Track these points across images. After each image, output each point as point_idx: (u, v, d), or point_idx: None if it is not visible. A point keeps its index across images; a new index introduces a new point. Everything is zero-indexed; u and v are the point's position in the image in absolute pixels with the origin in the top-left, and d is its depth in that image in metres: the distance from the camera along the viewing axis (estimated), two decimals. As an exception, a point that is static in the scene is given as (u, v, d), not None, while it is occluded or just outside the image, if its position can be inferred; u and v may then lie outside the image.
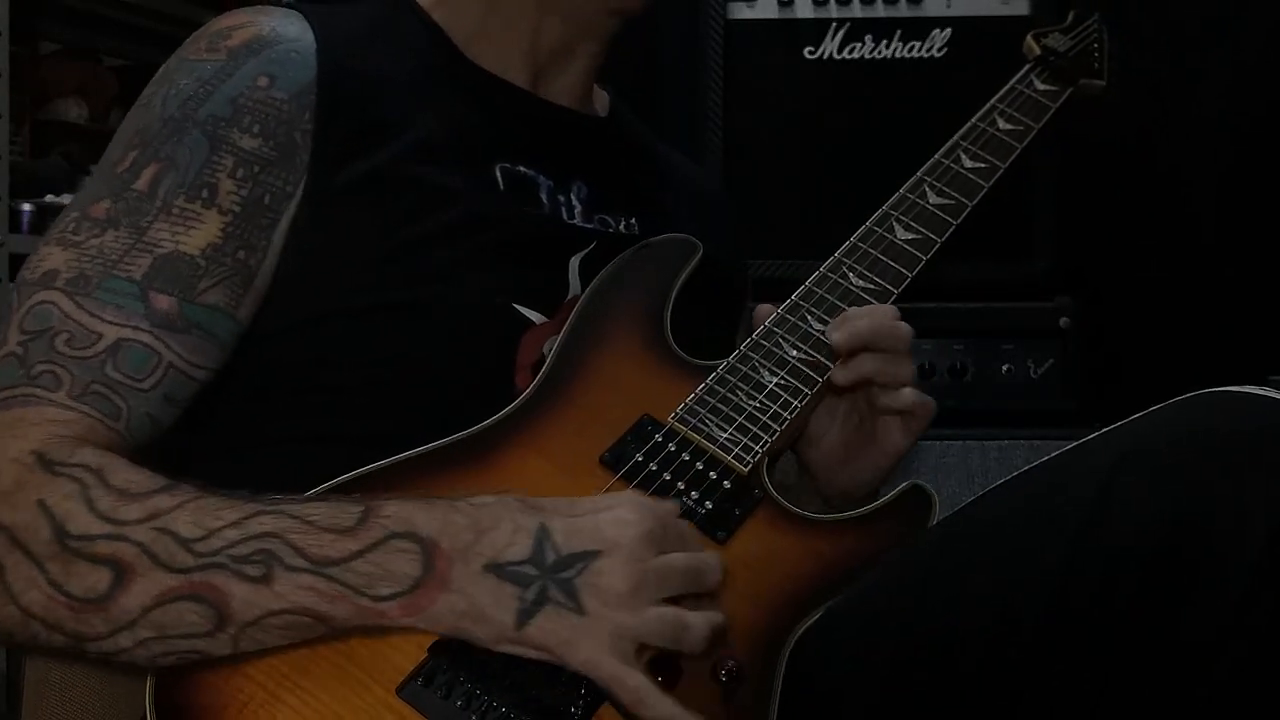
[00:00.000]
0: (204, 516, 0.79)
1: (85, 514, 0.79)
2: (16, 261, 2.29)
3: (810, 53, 1.73)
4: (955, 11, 1.71)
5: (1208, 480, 0.77)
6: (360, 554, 0.78)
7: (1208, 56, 1.89)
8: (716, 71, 1.72)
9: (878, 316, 1.01)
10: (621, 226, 1.13)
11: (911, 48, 1.71)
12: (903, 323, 1.02)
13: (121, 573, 0.77)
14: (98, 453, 0.83)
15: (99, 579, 0.77)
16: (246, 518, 0.79)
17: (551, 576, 0.78)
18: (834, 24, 1.72)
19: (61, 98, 2.95)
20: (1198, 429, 0.81)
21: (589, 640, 0.77)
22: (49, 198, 2.49)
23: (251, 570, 0.78)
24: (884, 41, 1.72)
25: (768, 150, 1.74)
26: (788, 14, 1.73)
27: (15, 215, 2.38)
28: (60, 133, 2.88)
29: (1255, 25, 1.88)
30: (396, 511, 0.80)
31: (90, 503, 0.80)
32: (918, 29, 1.71)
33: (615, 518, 0.81)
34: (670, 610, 0.79)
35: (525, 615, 0.77)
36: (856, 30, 1.72)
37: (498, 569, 0.78)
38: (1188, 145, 1.90)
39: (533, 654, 0.78)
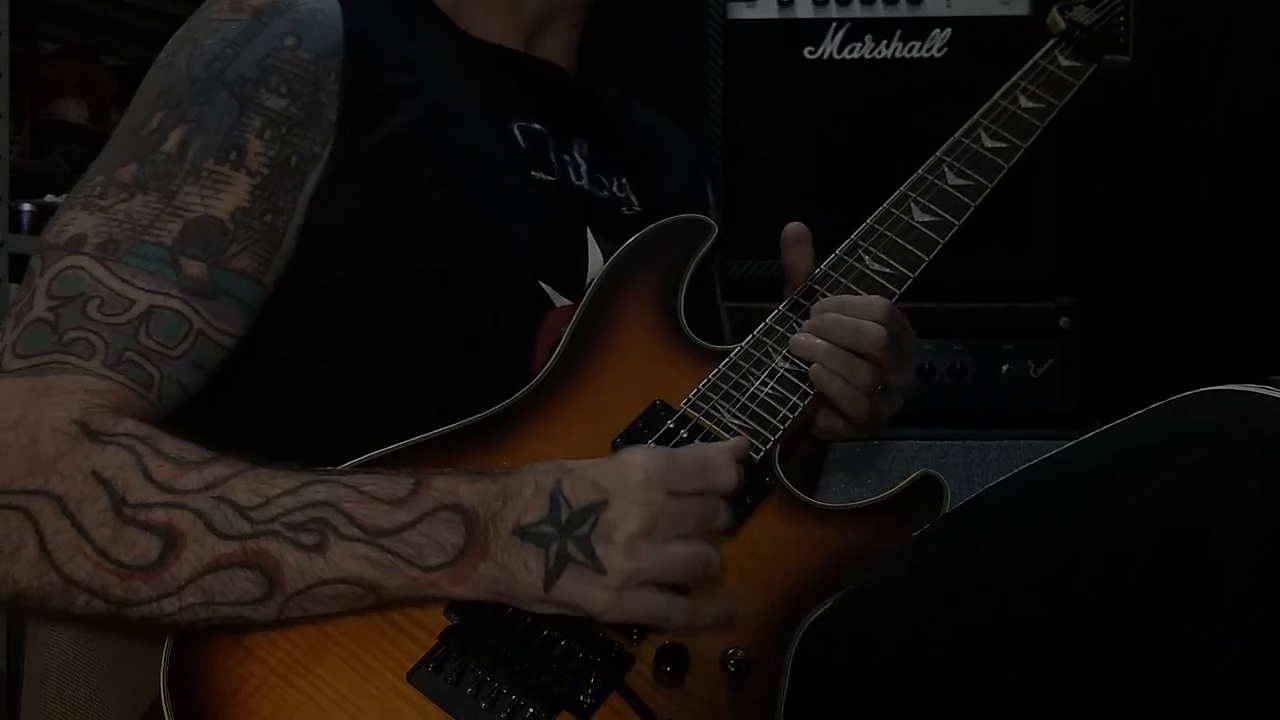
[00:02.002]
0: (260, 484, 0.80)
1: (143, 483, 0.79)
2: (16, 261, 2.29)
3: (810, 53, 1.72)
4: (955, 11, 1.71)
5: (1207, 478, 0.77)
6: (412, 524, 0.79)
7: (1210, 57, 1.89)
8: (716, 71, 1.71)
9: (836, 330, 1.00)
10: (615, 187, 1.14)
11: (911, 48, 1.71)
12: (872, 325, 1.00)
13: (173, 540, 0.78)
14: (140, 424, 0.83)
15: (149, 546, 0.78)
16: (302, 485, 0.80)
17: (569, 534, 0.79)
18: (834, 24, 1.72)
19: (61, 98, 2.95)
20: (1197, 427, 0.81)
21: (611, 595, 0.79)
22: (49, 198, 2.48)
23: (306, 538, 0.78)
24: (884, 41, 1.71)
25: (768, 150, 1.74)
26: (788, 14, 1.73)
27: (15, 215, 2.37)
28: (60, 133, 2.88)
29: (1259, 25, 1.88)
30: (443, 484, 0.81)
31: (147, 471, 0.80)
32: (918, 29, 1.71)
33: (618, 464, 0.82)
34: (687, 548, 0.81)
35: (552, 576, 0.79)
36: (856, 30, 1.72)
37: (521, 532, 0.80)
38: (1188, 145, 1.90)
39: (566, 611, 0.81)
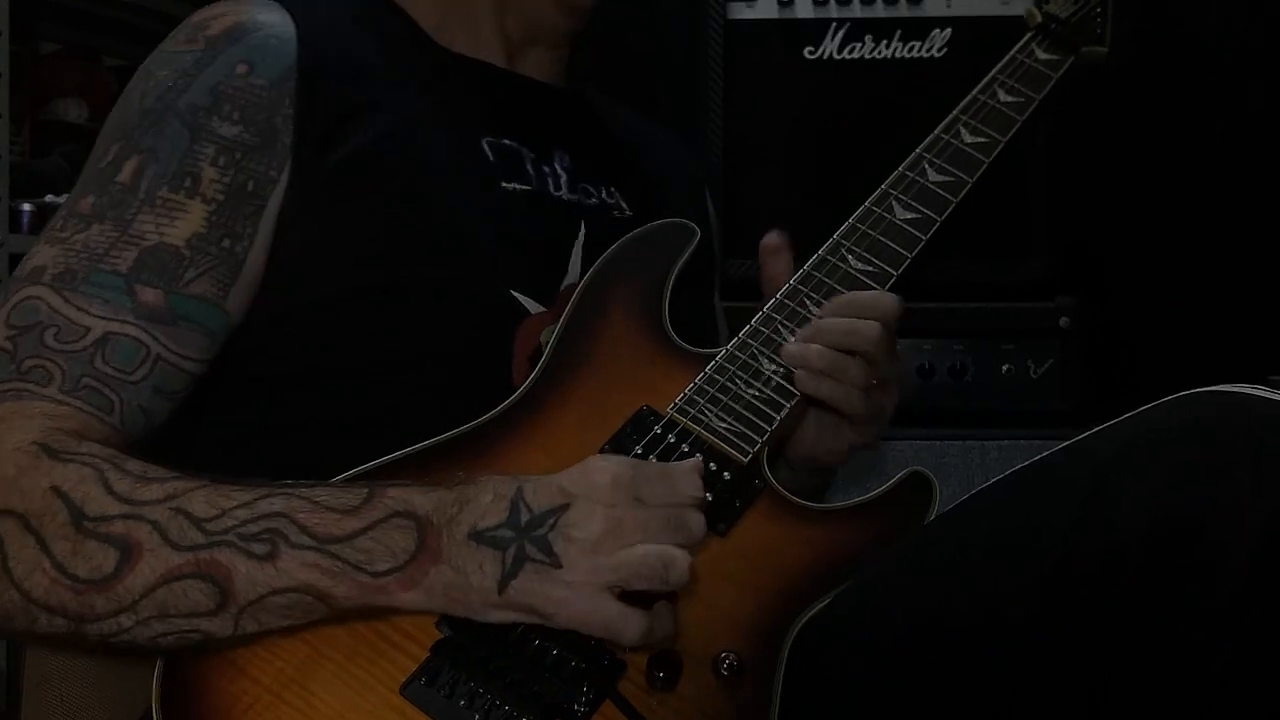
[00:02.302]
0: (218, 497, 0.80)
1: (103, 496, 0.80)
2: (16, 261, 2.29)
3: (810, 53, 1.72)
4: (955, 11, 1.71)
5: (1201, 478, 0.77)
6: (363, 531, 0.79)
7: (1207, 55, 1.89)
8: (716, 71, 1.71)
9: (831, 332, 1.00)
10: (604, 195, 1.14)
11: (911, 48, 1.71)
12: (868, 323, 1.00)
13: (129, 552, 0.78)
14: (102, 446, 0.84)
15: (105, 559, 0.78)
16: (257, 498, 0.80)
17: (527, 535, 0.79)
18: (834, 24, 1.72)
19: (61, 98, 2.95)
20: (1195, 427, 0.81)
21: (570, 593, 0.78)
22: (49, 198, 2.48)
23: (258, 548, 0.78)
24: (884, 41, 1.71)
25: (768, 150, 1.74)
26: (788, 14, 1.73)
27: (15, 215, 2.37)
28: (60, 133, 2.87)
29: (1257, 21, 1.88)
30: (397, 493, 0.81)
31: (108, 485, 0.80)
32: (918, 29, 1.71)
33: (583, 468, 0.81)
34: (651, 547, 0.79)
35: (507, 578, 0.78)
36: (856, 30, 1.72)
37: (477, 535, 0.79)
38: (1188, 144, 1.90)
39: (521, 617, 0.79)
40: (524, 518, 0.80)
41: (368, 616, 0.81)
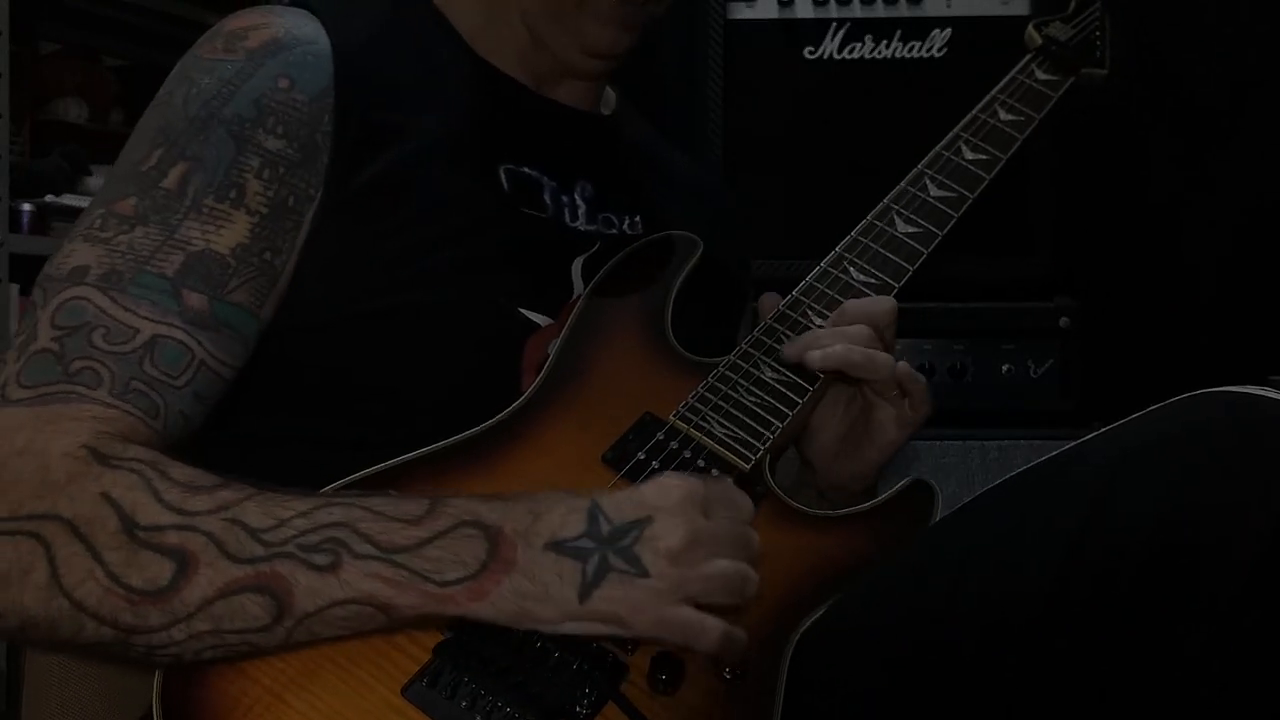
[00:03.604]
0: (272, 506, 0.79)
1: (154, 504, 0.78)
2: (16, 261, 2.29)
3: (810, 53, 1.73)
4: (955, 11, 1.71)
5: (1206, 480, 0.77)
6: (429, 541, 0.78)
7: (1208, 54, 1.89)
8: (716, 71, 1.72)
9: (847, 336, 1.01)
10: (625, 225, 1.13)
11: (911, 48, 1.71)
12: (856, 328, 1.01)
13: (186, 564, 0.77)
14: (148, 450, 0.83)
15: (161, 570, 0.76)
16: (316, 508, 0.79)
17: (610, 546, 0.79)
18: (834, 24, 1.72)
19: (61, 98, 2.95)
20: (1197, 429, 0.81)
21: (656, 601, 0.78)
22: (49, 198, 2.48)
23: (320, 559, 0.77)
24: (884, 41, 1.71)
25: (768, 150, 1.74)
26: (788, 14, 1.73)
27: (15, 215, 2.37)
28: (60, 133, 2.88)
29: (1256, 22, 1.88)
30: (461, 502, 0.81)
31: (157, 494, 0.79)
32: (918, 29, 1.71)
33: (658, 485, 0.82)
34: (731, 563, 0.80)
35: (589, 586, 0.78)
36: (856, 30, 1.72)
37: (557, 546, 0.79)
38: (1188, 144, 1.90)
39: (600, 628, 0.79)
40: (605, 529, 0.79)
41: (423, 627, 0.80)
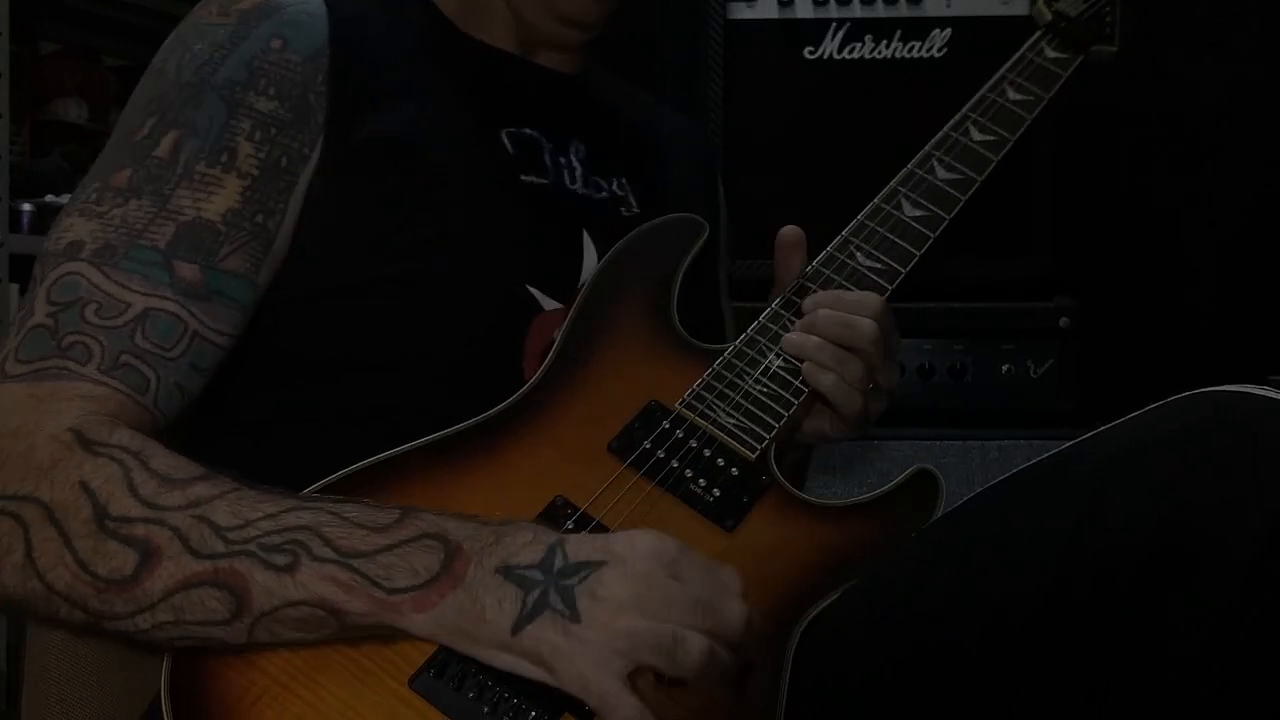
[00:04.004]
0: (242, 507, 0.80)
1: (127, 497, 0.80)
2: (16, 261, 2.29)
3: (810, 53, 1.72)
4: (955, 11, 1.71)
5: (1205, 479, 0.77)
6: (389, 548, 0.78)
7: (1208, 52, 1.89)
8: (716, 71, 1.71)
9: (828, 325, 1.00)
10: (614, 187, 1.13)
11: (911, 48, 1.71)
12: (863, 320, 0.99)
13: (149, 555, 0.78)
14: (134, 435, 0.84)
15: (125, 560, 0.78)
16: (284, 510, 0.80)
17: (555, 582, 0.77)
18: (834, 24, 1.72)
19: (61, 98, 2.95)
20: (1193, 428, 0.81)
21: (580, 650, 0.75)
22: (49, 198, 2.49)
23: (279, 559, 0.78)
24: (884, 41, 1.71)
25: (768, 150, 1.74)
26: (788, 14, 1.73)
27: (15, 215, 2.37)
28: (60, 133, 2.88)
29: (1256, 19, 1.88)
30: (433, 516, 0.80)
31: (132, 486, 0.80)
32: (918, 29, 1.71)
33: (628, 535, 0.80)
34: (666, 626, 0.76)
35: (523, 620, 0.76)
36: (856, 30, 1.72)
37: (506, 570, 0.78)
38: (1188, 143, 1.90)
39: (526, 667, 0.76)
40: (557, 564, 0.77)
41: (376, 636, 0.79)
